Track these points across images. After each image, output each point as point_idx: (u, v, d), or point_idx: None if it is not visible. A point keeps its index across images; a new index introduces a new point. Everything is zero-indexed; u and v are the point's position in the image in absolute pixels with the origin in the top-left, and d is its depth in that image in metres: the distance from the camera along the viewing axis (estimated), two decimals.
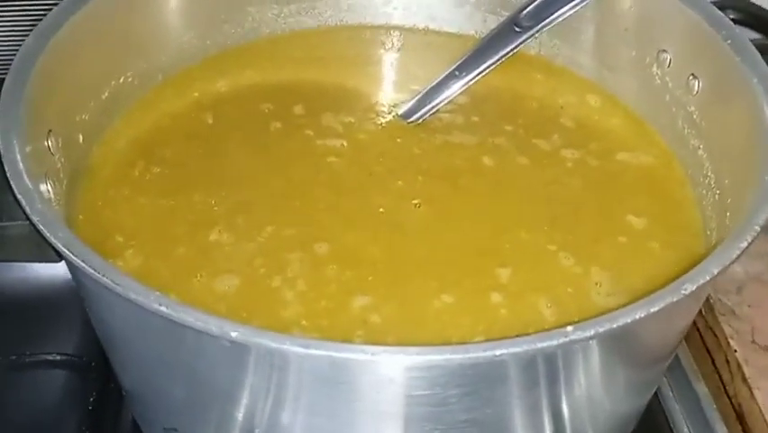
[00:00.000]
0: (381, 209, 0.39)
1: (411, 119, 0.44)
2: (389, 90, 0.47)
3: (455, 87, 0.44)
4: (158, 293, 0.26)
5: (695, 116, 0.41)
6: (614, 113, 0.45)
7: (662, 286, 0.28)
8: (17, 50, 0.36)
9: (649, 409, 0.39)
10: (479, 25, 0.48)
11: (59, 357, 0.41)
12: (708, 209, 0.39)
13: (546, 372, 0.29)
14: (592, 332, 0.27)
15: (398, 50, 0.49)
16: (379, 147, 0.42)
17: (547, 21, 0.43)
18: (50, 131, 0.35)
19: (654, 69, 0.43)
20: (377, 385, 0.27)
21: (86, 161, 0.39)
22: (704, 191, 0.40)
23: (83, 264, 0.27)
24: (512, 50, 0.43)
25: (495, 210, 0.39)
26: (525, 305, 0.35)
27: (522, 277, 0.36)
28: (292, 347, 0.25)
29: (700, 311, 0.44)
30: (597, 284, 0.36)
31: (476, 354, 0.25)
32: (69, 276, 0.41)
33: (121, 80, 0.42)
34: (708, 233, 0.39)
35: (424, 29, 0.49)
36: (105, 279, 0.26)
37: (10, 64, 0.35)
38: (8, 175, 0.30)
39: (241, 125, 0.43)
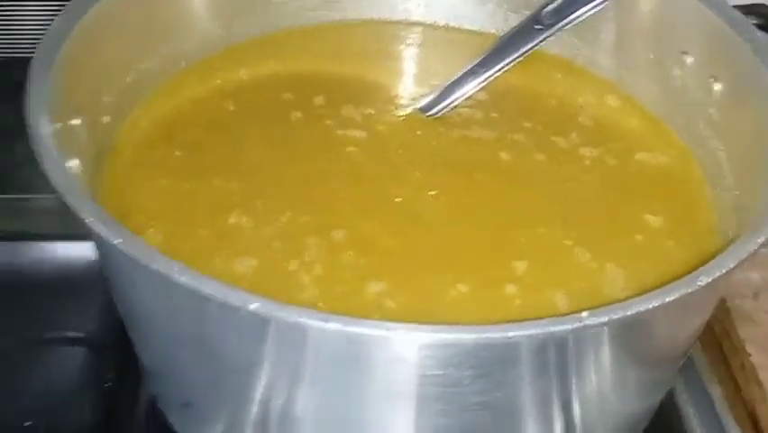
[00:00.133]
0: (398, 199, 0.39)
1: (430, 113, 0.44)
2: (409, 84, 0.48)
3: (475, 83, 0.44)
4: (181, 265, 0.26)
5: (714, 118, 0.41)
6: (633, 113, 0.45)
7: None
8: (45, 30, 0.37)
9: (662, 411, 0.39)
10: (500, 24, 0.49)
11: (77, 336, 0.41)
12: (726, 210, 0.39)
13: (558, 359, 0.29)
14: (606, 318, 0.27)
15: (419, 45, 0.49)
16: (398, 139, 0.43)
17: (568, 19, 0.43)
18: (77, 111, 0.36)
19: (675, 70, 0.43)
20: (392, 363, 0.27)
21: (109, 141, 0.39)
22: (722, 192, 0.40)
23: (108, 235, 0.28)
24: (532, 47, 0.44)
25: (511, 204, 0.40)
26: (539, 297, 0.35)
27: (537, 270, 0.36)
28: (311, 321, 0.25)
29: (716, 316, 0.44)
30: (612, 280, 0.36)
31: (491, 334, 0.26)
32: (91, 257, 0.42)
33: (145, 65, 0.42)
34: (726, 233, 0.39)
35: (444, 26, 0.50)
36: (130, 250, 0.27)
37: (37, 44, 0.36)
38: (37, 149, 0.31)
39: (261, 113, 0.43)
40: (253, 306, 0.25)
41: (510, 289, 0.35)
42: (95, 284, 0.42)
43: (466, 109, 0.44)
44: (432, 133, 0.43)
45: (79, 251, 0.43)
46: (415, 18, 0.50)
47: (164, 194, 0.38)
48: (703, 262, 0.30)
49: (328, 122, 0.43)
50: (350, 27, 0.49)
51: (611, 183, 0.41)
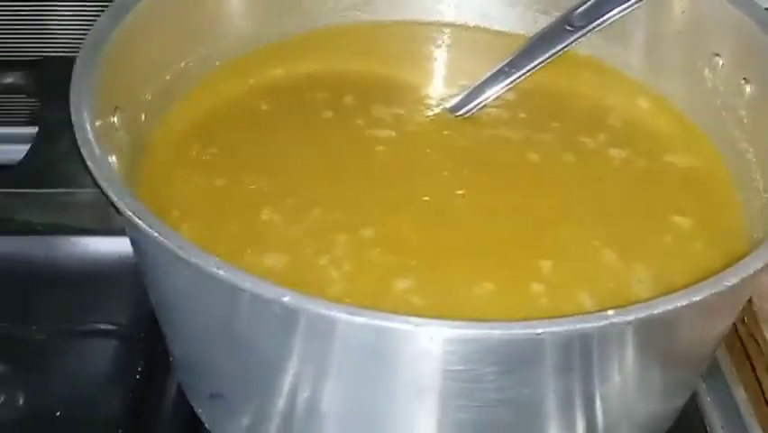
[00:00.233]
0: (426, 198, 0.40)
1: (459, 113, 0.45)
2: (439, 85, 0.48)
3: (504, 84, 0.44)
4: (216, 257, 0.27)
5: (745, 120, 0.41)
6: (662, 114, 0.45)
7: None
8: (88, 30, 0.38)
9: (686, 413, 0.39)
10: (530, 25, 0.49)
11: (109, 327, 0.42)
12: (755, 213, 0.39)
13: (582, 357, 0.29)
14: (632, 317, 0.27)
15: (449, 46, 0.50)
16: (426, 138, 0.43)
17: (599, 21, 0.43)
18: (117, 108, 0.37)
19: (706, 72, 0.43)
20: (417, 358, 0.28)
21: (146, 138, 0.41)
22: (751, 195, 0.40)
23: (147, 228, 0.28)
24: (562, 48, 0.44)
25: (539, 204, 0.40)
26: (565, 296, 0.35)
27: (564, 269, 0.36)
28: (341, 314, 0.26)
29: (742, 319, 0.44)
30: (639, 281, 0.36)
31: (515, 330, 0.26)
32: (123, 252, 0.43)
33: (182, 64, 0.43)
34: (754, 236, 0.38)
35: (474, 27, 0.50)
36: (167, 242, 0.28)
37: (80, 44, 0.37)
38: (80, 144, 0.32)
39: (293, 112, 0.44)
40: (285, 298, 0.26)
41: (536, 287, 0.36)
42: (126, 278, 0.43)
43: (494, 109, 0.45)
44: (460, 132, 0.44)
45: (112, 246, 0.44)
46: (447, 19, 0.50)
47: (198, 191, 0.39)
48: (731, 264, 0.30)
49: (358, 121, 0.44)
50: (382, 28, 0.50)
51: (640, 184, 0.41)
